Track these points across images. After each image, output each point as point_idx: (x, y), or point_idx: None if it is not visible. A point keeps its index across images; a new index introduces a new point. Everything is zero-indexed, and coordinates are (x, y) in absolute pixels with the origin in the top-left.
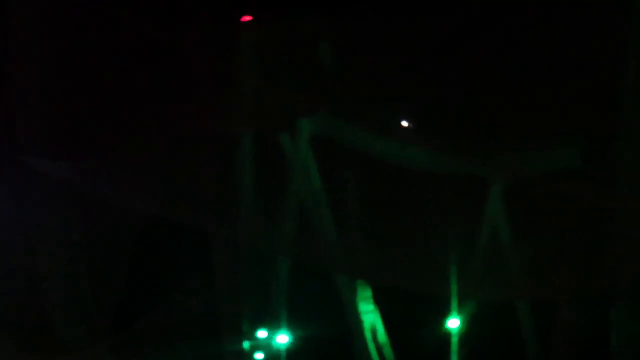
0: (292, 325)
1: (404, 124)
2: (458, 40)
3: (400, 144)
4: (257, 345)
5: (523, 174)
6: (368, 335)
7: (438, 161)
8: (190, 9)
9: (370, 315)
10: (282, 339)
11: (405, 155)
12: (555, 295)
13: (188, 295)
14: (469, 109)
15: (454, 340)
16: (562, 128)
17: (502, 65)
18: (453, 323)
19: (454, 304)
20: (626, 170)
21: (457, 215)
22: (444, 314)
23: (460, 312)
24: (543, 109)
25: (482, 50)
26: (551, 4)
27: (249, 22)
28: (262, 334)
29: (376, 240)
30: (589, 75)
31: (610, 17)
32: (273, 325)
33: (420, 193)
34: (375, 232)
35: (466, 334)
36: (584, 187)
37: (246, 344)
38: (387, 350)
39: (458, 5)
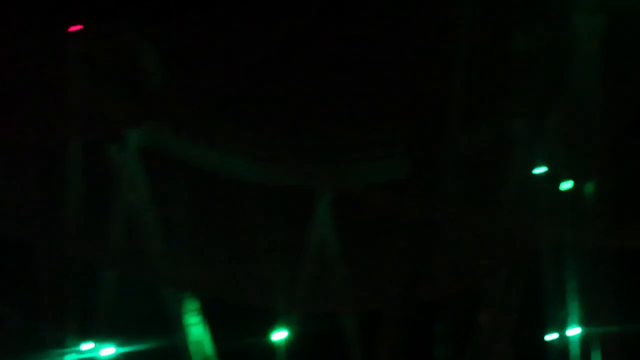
0: (118, 337)
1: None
2: (287, 50)
3: (228, 155)
4: (82, 358)
5: (349, 184)
6: (194, 348)
7: (265, 172)
8: (14, 17)
9: (196, 328)
10: (108, 351)
11: (232, 166)
12: (381, 306)
13: (8, 307)
14: (296, 119)
15: (281, 352)
16: (387, 139)
17: (325, 76)
18: (280, 335)
19: (282, 316)
20: (449, 182)
21: (285, 227)
22: (272, 326)
23: (287, 323)
24: (367, 120)
25: (307, 60)
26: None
27: (77, 31)
28: (87, 346)
29: (203, 252)
30: (412, 89)
31: (435, 30)
32: (98, 338)
33: (248, 204)
34: (203, 244)
35: (293, 345)
36: (409, 199)
37: (71, 357)
38: None
39: (285, 14)
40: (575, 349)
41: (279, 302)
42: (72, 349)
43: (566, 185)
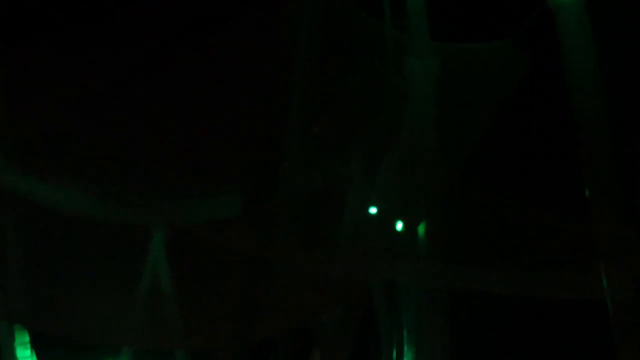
0: None
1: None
2: (125, 87)
3: (63, 190)
4: None
5: (183, 221)
6: None
7: (99, 207)
8: None
9: None
10: None
11: (66, 200)
12: (213, 343)
13: None
14: (130, 156)
15: None
16: (222, 177)
17: (161, 114)
18: None
19: (115, 351)
20: (283, 220)
21: (120, 263)
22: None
23: (120, 358)
24: (202, 159)
25: (144, 98)
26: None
27: None
28: None
29: (35, 285)
30: (247, 128)
31: (272, 71)
32: None
33: (82, 239)
34: (34, 277)
35: None
36: (243, 236)
37: None
38: None
39: (126, 44)
40: None
41: (111, 337)
42: None
43: (399, 225)
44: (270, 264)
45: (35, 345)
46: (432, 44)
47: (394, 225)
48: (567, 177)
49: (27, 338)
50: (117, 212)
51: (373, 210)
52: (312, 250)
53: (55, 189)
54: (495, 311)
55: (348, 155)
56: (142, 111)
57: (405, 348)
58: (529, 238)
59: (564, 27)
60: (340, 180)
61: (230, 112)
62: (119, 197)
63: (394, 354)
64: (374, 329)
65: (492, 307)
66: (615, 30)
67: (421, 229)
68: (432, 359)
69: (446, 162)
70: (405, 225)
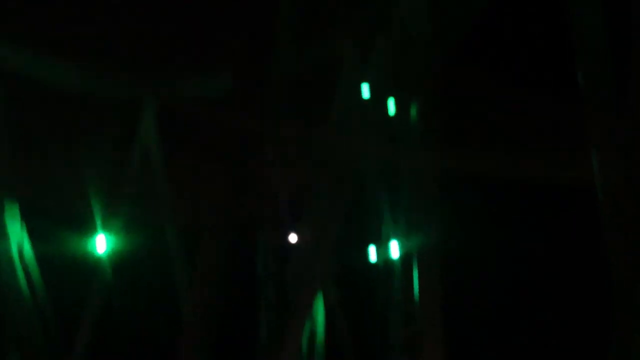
0: None
1: None
2: None
3: (55, 65)
4: None
5: (175, 97)
6: (15, 252)
7: (92, 83)
8: None
9: (16, 234)
10: None
11: (60, 76)
12: (202, 222)
13: None
14: (124, 30)
15: (104, 261)
16: (214, 54)
17: None
18: (100, 242)
19: (104, 224)
20: (275, 99)
21: (109, 138)
22: (93, 233)
23: (109, 232)
24: (195, 34)
25: None
26: None
27: None
28: None
29: (25, 158)
30: (241, 5)
31: None
32: None
33: (75, 114)
34: (25, 151)
35: (114, 256)
36: (233, 113)
37: None
38: (33, 267)
39: None
40: (395, 263)
41: (100, 214)
42: None
43: (391, 108)
44: (260, 141)
45: (25, 218)
46: None
47: (386, 109)
48: (561, 60)
49: (16, 210)
50: (108, 86)
51: (365, 92)
52: (302, 129)
53: (47, 63)
54: (485, 195)
55: (341, 35)
56: None
57: (393, 226)
58: (521, 120)
59: None
60: (334, 62)
61: None
62: (110, 72)
63: (383, 232)
64: (365, 206)
65: (482, 190)
66: None
67: (413, 111)
68: (423, 238)
69: (439, 42)
70: (397, 108)
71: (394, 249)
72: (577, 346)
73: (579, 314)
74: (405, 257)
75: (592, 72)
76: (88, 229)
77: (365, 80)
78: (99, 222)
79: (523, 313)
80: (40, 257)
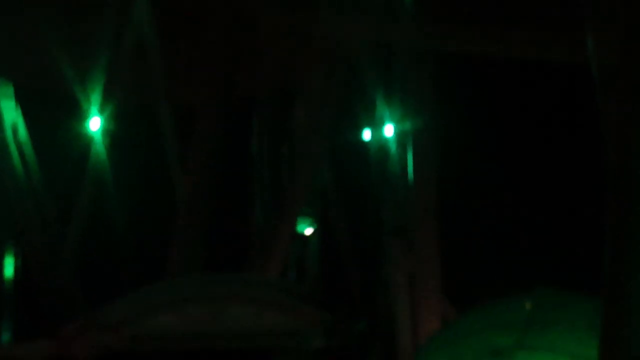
0: None
1: None
2: None
3: None
4: None
5: None
6: (9, 133)
7: None
8: None
9: (11, 113)
10: None
11: None
12: (196, 99)
13: None
14: None
15: (96, 139)
16: None
17: None
18: (94, 123)
19: (97, 105)
20: None
21: (104, 17)
22: (87, 114)
23: (102, 112)
24: None
25: None
26: None
27: None
28: None
29: (21, 38)
30: None
31: None
32: None
33: None
34: (19, 31)
35: (109, 133)
36: None
37: None
38: (28, 148)
39: None
40: (389, 146)
41: (96, 91)
42: None
43: None
44: (254, 21)
45: (20, 98)
46: None
47: None
48: None
49: (11, 90)
50: None
51: None
52: (295, 8)
53: None
54: (479, 74)
55: None
56: None
57: (388, 108)
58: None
59: None
60: None
61: None
62: None
63: (377, 113)
64: (359, 91)
65: (476, 69)
66: None
67: None
68: (417, 119)
69: None
70: None
71: (389, 131)
72: (571, 238)
73: (573, 203)
74: (400, 138)
75: None
76: (83, 111)
77: None
78: (93, 104)
79: (516, 195)
80: (35, 138)
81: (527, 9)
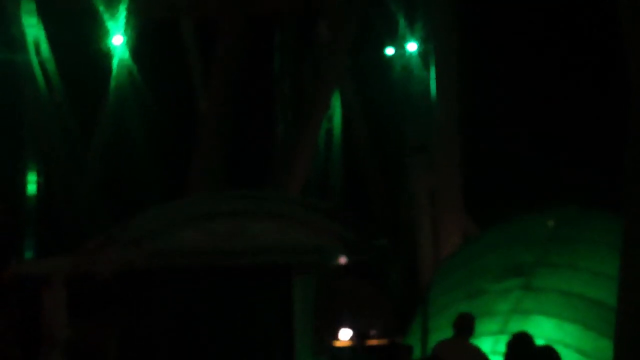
0: None
1: None
2: None
3: None
4: None
5: None
6: (32, 49)
7: None
8: None
9: (33, 30)
10: None
11: None
12: (219, 17)
13: None
14: None
15: (119, 55)
16: None
17: None
18: (117, 39)
19: (120, 21)
20: None
21: None
22: (110, 31)
23: (125, 29)
24: None
25: None
26: None
27: None
28: None
29: None
30: None
31: None
32: None
33: None
34: None
35: (132, 49)
36: None
37: None
38: (51, 65)
39: None
40: (412, 63)
41: (118, 7)
42: None
43: None
44: None
45: (42, 14)
46: None
47: None
48: None
49: (33, 6)
50: None
51: None
52: None
53: None
54: None
55: None
56: None
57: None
58: None
59: None
60: None
61: None
62: None
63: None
64: (382, 7)
65: None
66: None
67: None
68: (440, 31)
69: None
70: None
71: (411, 48)
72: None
73: (597, 120)
74: (422, 55)
75: None
76: (106, 27)
77: None
78: (116, 20)
79: (538, 112)
80: (57, 55)
81: None
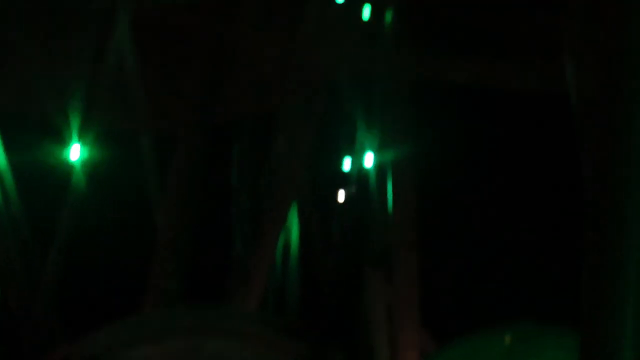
0: None
1: None
2: None
3: None
4: None
5: (147, 2)
6: None
7: None
8: None
9: None
10: None
11: None
12: (176, 127)
13: None
14: None
15: (77, 169)
16: None
17: None
18: (75, 150)
19: (76, 132)
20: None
21: (84, 43)
22: (66, 142)
23: (82, 140)
24: None
25: None
26: None
27: None
28: None
29: None
30: None
31: None
32: None
33: (45, 18)
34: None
35: (89, 161)
36: (205, 18)
37: None
38: (7, 175)
39: None
40: (370, 174)
41: (75, 117)
42: None
43: (366, 12)
44: (233, 48)
45: None
46: None
47: (361, 13)
48: None
49: None
50: None
51: None
52: (275, 34)
53: None
54: (460, 102)
55: None
56: None
57: (368, 136)
58: (497, 27)
59: None
60: None
61: None
62: None
63: (358, 142)
64: (337, 114)
65: (457, 97)
66: None
67: (388, 17)
68: (395, 148)
69: None
70: (372, 13)
71: (369, 160)
72: (550, 257)
73: (556, 233)
74: (380, 168)
75: None
76: (62, 138)
77: None
78: (73, 131)
79: (498, 224)
80: (13, 165)
81: (508, 39)
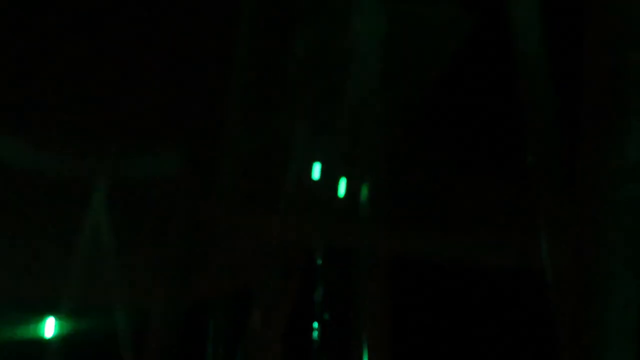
0: None
1: None
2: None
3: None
4: None
5: (125, 177)
6: None
7: (39, 161)
8: None
9: None
10: None
11: (6, 152)
12: (151, 304)
13: None
14: (72, 109)
15: (51, 342)
16: (164, 132)
17: (105, 66)
18: (49, 325)
19: (51, 306)
20: (225, 179)
21: (57, 218)
22: (42, 315)
23: (57, 314)
24: (144, 111)
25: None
26: None
27: None
28: None
29: None
30: (191, 84)
31: (214, 28)
32: None
33: (21, 193)
34: None
35: (62, 337)
36: (184, 194)
37: None
38: None
39: None
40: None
41: (49, 293)
42: None
43: (342, 188)
44: (211, 224)
45: None
46: (378, 3)
47: (336, 190)
48: (510, 142)
49: None
50: (56, 165)
51: (316, 174)
52: (251, 211)
53: None
54: (435, 278)
55: (292, 116)
56: (83, 66)
57: (345, 312)
58: (471, 203)
59: None
60: (283, 141)
61: (173, 69)
62: (58, 150)
63: (330, 315)
64: (313, 291)
65: (431, 274)
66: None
67: (364, 193)
68: (372, 324)
69: (390, 123)
70: (347, 190)
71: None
72: None
73: None
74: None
75: (542, 154)
76: (36, 312)
77: (316, 160)
78: (47, 305)
79: None
80: None
81: (481, 215)
